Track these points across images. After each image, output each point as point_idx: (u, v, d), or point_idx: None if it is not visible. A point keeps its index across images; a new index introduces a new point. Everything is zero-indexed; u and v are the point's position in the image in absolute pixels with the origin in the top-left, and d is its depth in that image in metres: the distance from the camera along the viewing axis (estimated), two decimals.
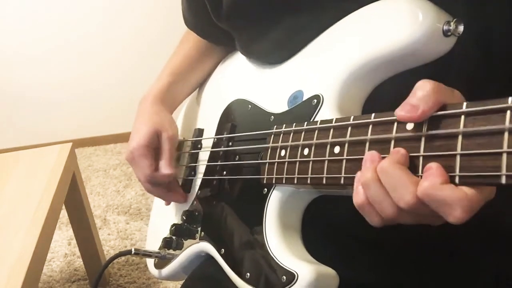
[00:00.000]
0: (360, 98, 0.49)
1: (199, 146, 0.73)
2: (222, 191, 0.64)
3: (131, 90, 1.87)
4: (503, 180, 0.29)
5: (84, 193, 1.48)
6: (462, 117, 0.32)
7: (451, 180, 0.33)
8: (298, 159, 0.47)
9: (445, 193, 0.33)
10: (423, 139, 0.35)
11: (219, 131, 0.69)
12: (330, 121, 0.44)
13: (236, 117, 0.66)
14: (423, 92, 0.35)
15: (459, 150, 0.32)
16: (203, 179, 0.70)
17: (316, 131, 0.46)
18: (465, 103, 0.32)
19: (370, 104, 0.49)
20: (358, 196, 0.39)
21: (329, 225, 0.57)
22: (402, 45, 0.43)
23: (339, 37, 0.51)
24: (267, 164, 0.53)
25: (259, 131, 0.57)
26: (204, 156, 0.71)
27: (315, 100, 0.51)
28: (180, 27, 0.80)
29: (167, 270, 0.74)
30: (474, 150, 0.31)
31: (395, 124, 0.37)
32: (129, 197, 2.15)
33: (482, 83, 0.48)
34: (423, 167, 0.34)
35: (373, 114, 0.39)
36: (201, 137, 0.74)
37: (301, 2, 0.54)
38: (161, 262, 0.75)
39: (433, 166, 0.34)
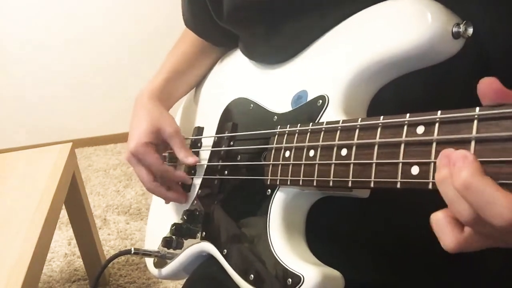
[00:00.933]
0: (365, 99, 0.49)
1: (199, 144, 0.72)
2: (223, 191, 0.64)
3: (131, 90, 1.87)
4: None
5: (84, 193, 1.48)
6: (475, 121, 0.31)
7: None
8: (303, 161, 0.47)
9: None
10: (434, 144, 0.34)
11: (219, 129, 0.68)
12: (337, 122, 0.44)
13: (237, 116, 0.65)
14: None
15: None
16: (203, 178, 0.69)
17: (322, 133, 0.45)
18: (477, 108, 0.31)
19: (371, 104, 0.49)
20: (438, 214, 0.33)
21: (331, 226, 0.56)
22: (410, 47, 0.42)
23: (345, 37, 0.50)
24: (270, 165, 0.53)
25: (261, 130, 0.57)
26: (204, 155, 0.70)
27: (321, 101, 0.50)
28: (180, 27, 0.80)
29: (167, 269, 0.73)
30: (487, 158, 0.30)
31: (405, 127, 0.36)
32: (129, 197, 2.15)
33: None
34: (433, 173, 0.33)
35: (381, 117, 0.38)
36: (201, 135, 0.73)
37: (304, 5, 0.53)
38: (161, 261, 0.74)
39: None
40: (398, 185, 0.36)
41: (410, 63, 0.44)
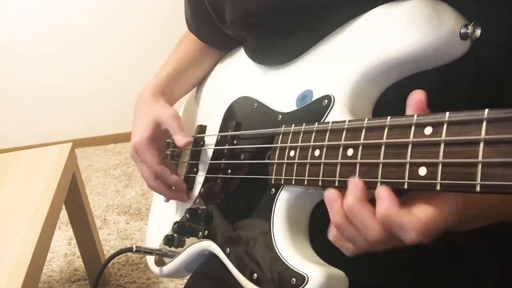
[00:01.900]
0: (371, 99, 0.49)
1: (201, 143, 0.72)
2: (226, 189, 0.64)
3: (131, 90, 1.87)
4: None
5: (84, 193, 1.48)
6: (484, 123, 0.31)
7: (471, 189, 0.32)
8: (308, 160, 0.46)
9: (401, 219, 0.36)
10: (442, 145, 0.34)
11: (223, 128, 0.68)
12: (343, 122, 0.43)
13: (241, 114, 0.65)
14: None
15: (480, 158, 0.31)
16: (206, 176, 0.69)
17: (328, 132, 0.45)
18: (486, 110, 0.31)
19: (376, 104, 0.49)
20: (332, 234, 0.43)
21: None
22: (418, 48, 0.42)
23: (352, 37, 0.50)
24: (275, 164, 0.52)
25: (265, 129, 0.56)
26: (207, 153, 0.70)
27: (326, 101, 0.50)
28: (180, 27, 0.80)
29: (168, 267, 0.73)
30: (496, 159, 0.30)
31: (413, 128, 0.36)
32: (129, 197, 2.14)
33: (491, 87, 0.47)
34: (442, 174, 0.33)
35: (388, 117, 0.38)
36: (204, 133, 0.73)
37: (310, 7, 0.53)
38: (162, 259, 0.74)
39: (383, 191, 0.37)
40: (406, 186, 0.36)
41: (417, 64, 0.44)
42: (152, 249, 0.73)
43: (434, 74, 0.45)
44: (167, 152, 0.76)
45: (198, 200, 0.70)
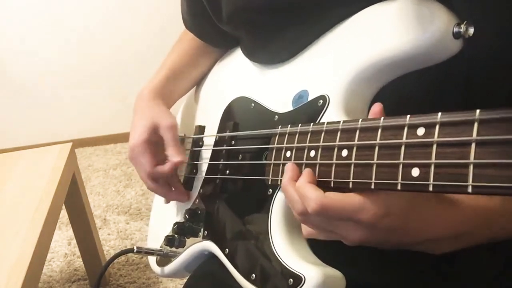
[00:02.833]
0: (366, 99, 0.49)
1: (200, 143, 0.72)
2: (225, 190, 0.64)
3: (131, 90, 1.87)
4: None
5: (84, 193, 1.48)
6: (476, 124, 0.31)
7: (463, 190, 0.32)
8: (304, 161, 0.47)
9: (306, 189, 0.43)
10: (434, 146, 0.34)
11: (221, 129, 0.68)
12: (337, 123, 0.44)
13: (238, 115, 0.65)
14: None
15: (472, 159, 0.31)
16: (205, 177, 0.69)
17: (323, 133, 0.45)
18: (478, 111, 0.31)
19: (371, 104, 0.49)
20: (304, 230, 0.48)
21: None
22: (411, 47, 0.42)
23: (346, 36, 0.50)
24: (272, 164, 0.53)
25: (262, 130, 0.57)
26: (206, 153, 0.70)
27: (321, 101, 0.50)
28: (179, 28, 0.80)
29: (169, 268, 0.73)
30: (487, 160, 0.30)
31: (405, 128, 0.36)
32: (129, 197, 2.15)
33: (486, 87, 0.47)
34: (434, 175, 0.33)
35: (382, 118, 0.38)
36: (203, 134, 0.73)
37: (304, 6, 0.53)
38: (163, 260, 0.74)
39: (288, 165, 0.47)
40: (399, 187, 0.36)
41: (411, 63, 0.44)
42: (153, 250, 0.73)
43: (427, 73, 0.45)
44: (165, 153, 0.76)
45: (197, 200, 0.70)
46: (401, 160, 0.36)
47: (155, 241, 0.77)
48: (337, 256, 0.49)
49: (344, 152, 0.41)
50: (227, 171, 0.63)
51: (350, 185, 0.40)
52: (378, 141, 0.38)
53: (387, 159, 0.37)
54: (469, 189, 0.31)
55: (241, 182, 0.60)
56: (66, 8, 2.51)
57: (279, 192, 0.53)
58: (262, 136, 0.57)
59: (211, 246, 0.63)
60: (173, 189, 0.72)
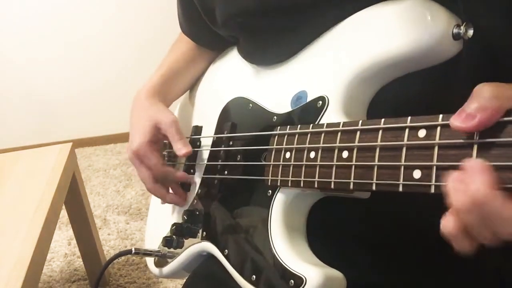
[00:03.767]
0: (365, 100, 0.49)
1: (198, 143, 0.72)
2: (223, 191, 0.64)
3: (131, 90, 1.87)
4: None
5: (84, 193, 1.48)
6: None
7: None
8: (304, 162, 0.47)
9: None
10: (436, 148, 0.34)
11: (218, 129, 0.68)
12: (337, 124, 0.43)
13: (236, 115, 0.65)
14: (479, 99, 0.31)
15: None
16: (203, 178, 0.69)
17: (323, 134, 0.45)
18: None
19: (370, 105, 0.49)
20: (449, 224, 0.34)
21: (331, 225, 0.56)
22: (410, 48, 0.42)
23: (345, 37, 0.50)
24: (271, 166, 0.53)
25: (261, 131, 0.56)
26: (203, 154, 0.70)
27: (321, 102, 0.50)
28: (179, 28, 0.80)
29: (167, 268, 0.73)
30: (489, 163, 0.30)
31: (407, 130, 0.36)
32: (129, 197, 2.14)
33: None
34: (436, 177, 0.33)
35: (382, 120, 0.38)
36: (200, 134, 0.73)
37: (301, 7, 0.53)
38: (162, 260, 0.74)
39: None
40: (400, 188, 0.36)
41: (410, 64, 0.44)
42: (151, 251, 0.73)
43: (427, 74, 0.45)
44: (163, 153, 0.76)
45: (195, 201, 0.70)
46: (403, 162, 0.36)
47: (153, 242, 0.77)
48: (337, 257, 0.49)
49: (345, 154, 0.41)
50: (225, 172, 0.63)
51: (351, 186, 0.40)
52: (379, 142, 0.38)
53: (388, 161, 0.37)
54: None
55: (240, 183, 0.60)
56: (67, 9, 2.51)
57: (278, 193, 0.53)
58: (261, 137, 0.57)
59: (209, 247, 0.63)
60: (171, 191, 0.72)
